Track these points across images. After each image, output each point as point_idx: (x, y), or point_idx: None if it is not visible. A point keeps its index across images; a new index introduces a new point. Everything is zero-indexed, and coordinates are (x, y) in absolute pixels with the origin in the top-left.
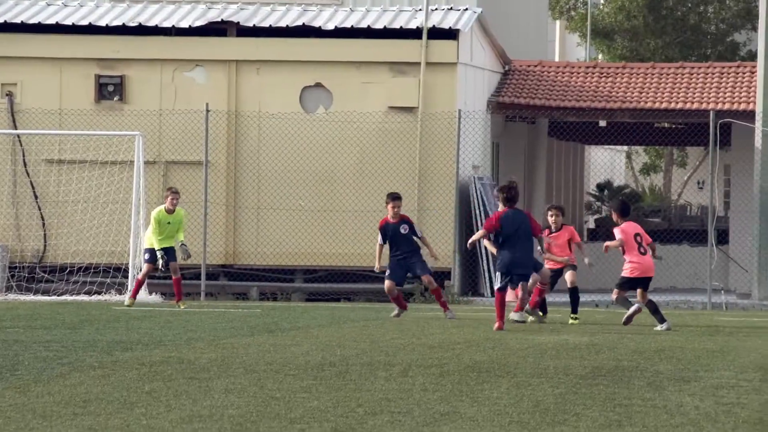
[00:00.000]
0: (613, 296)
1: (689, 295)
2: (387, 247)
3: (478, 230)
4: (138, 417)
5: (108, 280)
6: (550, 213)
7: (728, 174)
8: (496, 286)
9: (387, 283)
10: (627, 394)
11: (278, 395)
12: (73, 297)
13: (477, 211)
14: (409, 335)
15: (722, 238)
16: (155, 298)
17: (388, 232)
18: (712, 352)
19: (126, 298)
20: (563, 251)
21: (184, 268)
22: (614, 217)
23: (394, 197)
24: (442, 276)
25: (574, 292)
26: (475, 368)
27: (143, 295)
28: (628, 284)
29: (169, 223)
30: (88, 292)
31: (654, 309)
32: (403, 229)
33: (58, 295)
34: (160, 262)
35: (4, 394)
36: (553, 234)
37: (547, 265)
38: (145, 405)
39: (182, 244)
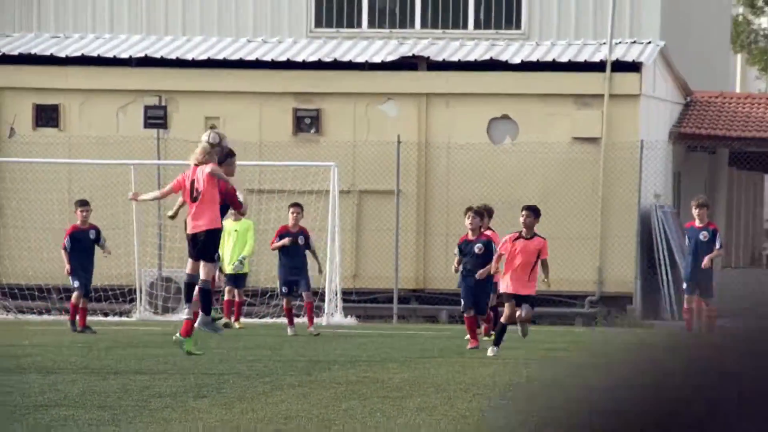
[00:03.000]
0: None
1: None
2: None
3: (659, 258)
4: None
5: None
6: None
7: None
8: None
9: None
10: None
11: (468, 414)
12: (273, 319)
13: (658, 239)
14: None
15: None
16: (350, 320)
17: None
18: None
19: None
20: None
21: (378, 291)
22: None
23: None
24: (623, 300)
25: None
26: None
27: (339, 317)
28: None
29: (236, 231)
30: None
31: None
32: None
33: (259, 318)
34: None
35: (211, 410)
36: None
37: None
38: (342, 422)
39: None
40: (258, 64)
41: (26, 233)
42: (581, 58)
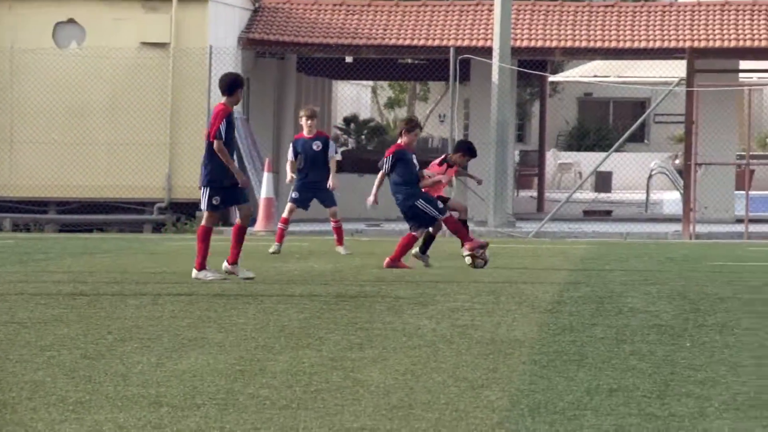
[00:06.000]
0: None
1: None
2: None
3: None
4: None
5: None
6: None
7: (467, 107)
8: None
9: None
10: (368, 318)
11: (29, 324)
12: None
13: None
14: (160, 264)
15: None
16: None
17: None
18: (450, 278)
19: None
20: None
21: None
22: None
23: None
24: (193, 207)
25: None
26: (224, 295)
27: None
28: None
29: None
30: None
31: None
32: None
33: None
34: None
35: None
36: None
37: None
38: None
39: None
40: None
41: None
42: None
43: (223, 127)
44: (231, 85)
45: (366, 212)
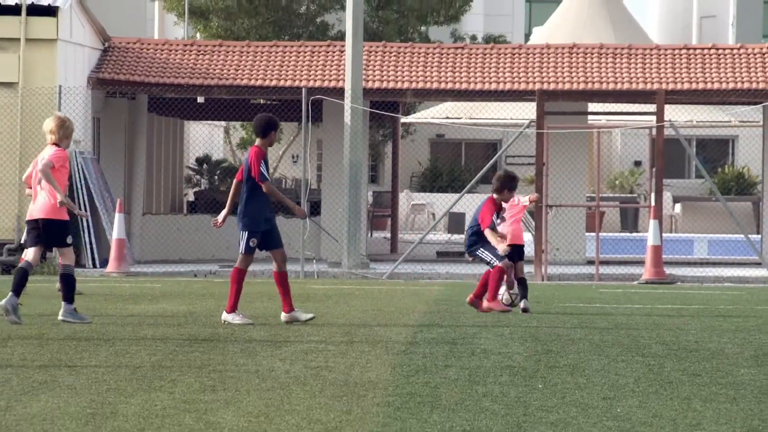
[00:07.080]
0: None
1: None
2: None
3: (79, 204)
4: None
5: None
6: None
7: (320, 148)
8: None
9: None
10: (221, 360)
11: None
12: None
13: (78, 185)
14: None
15: (315, 209)
16: None
17: None
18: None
19: None
20: None
21: None
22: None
23: None
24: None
25: None
26: (75, 337)
27: None
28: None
29: None
30: None
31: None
32: None
33: None
34: None
35: None
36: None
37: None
38: None
39: None
40: None
41: None
42: None
43: (264, 169)
44: (265, 127)
45: (220, 253)
